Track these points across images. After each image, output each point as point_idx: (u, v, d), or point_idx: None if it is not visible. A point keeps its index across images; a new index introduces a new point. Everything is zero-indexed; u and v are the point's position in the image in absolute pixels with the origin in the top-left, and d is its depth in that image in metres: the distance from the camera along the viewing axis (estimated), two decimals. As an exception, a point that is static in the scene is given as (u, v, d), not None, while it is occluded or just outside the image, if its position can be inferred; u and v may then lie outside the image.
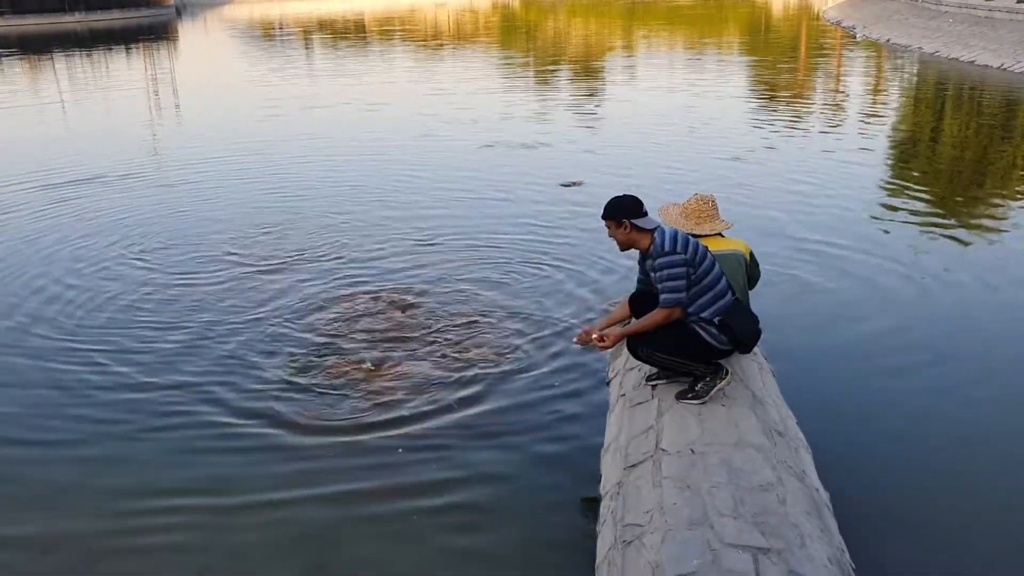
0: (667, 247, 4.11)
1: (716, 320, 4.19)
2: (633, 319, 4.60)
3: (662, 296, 4.17)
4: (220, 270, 7.70)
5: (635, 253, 4.44)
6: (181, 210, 9.96)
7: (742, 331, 4.23)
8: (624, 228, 4.25)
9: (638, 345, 4.34)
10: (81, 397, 5.44)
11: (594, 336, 4.42)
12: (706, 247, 4.29)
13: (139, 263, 7.96)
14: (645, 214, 4.24)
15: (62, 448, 4.94)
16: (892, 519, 4.09)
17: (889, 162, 12.37)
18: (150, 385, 5.54)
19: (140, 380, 5.61)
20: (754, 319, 4.38)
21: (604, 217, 4.34)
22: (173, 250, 8.32)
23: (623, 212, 4.23)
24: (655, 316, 4.23)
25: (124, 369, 5.76)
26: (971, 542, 3.98)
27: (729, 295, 4.26)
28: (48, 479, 4.63)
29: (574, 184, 10.64)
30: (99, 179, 11.69)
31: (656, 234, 4.20)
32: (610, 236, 4.36)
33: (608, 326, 4.59)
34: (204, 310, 6.75)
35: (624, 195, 4.35)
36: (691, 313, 4.21)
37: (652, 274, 4.22)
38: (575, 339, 4.65)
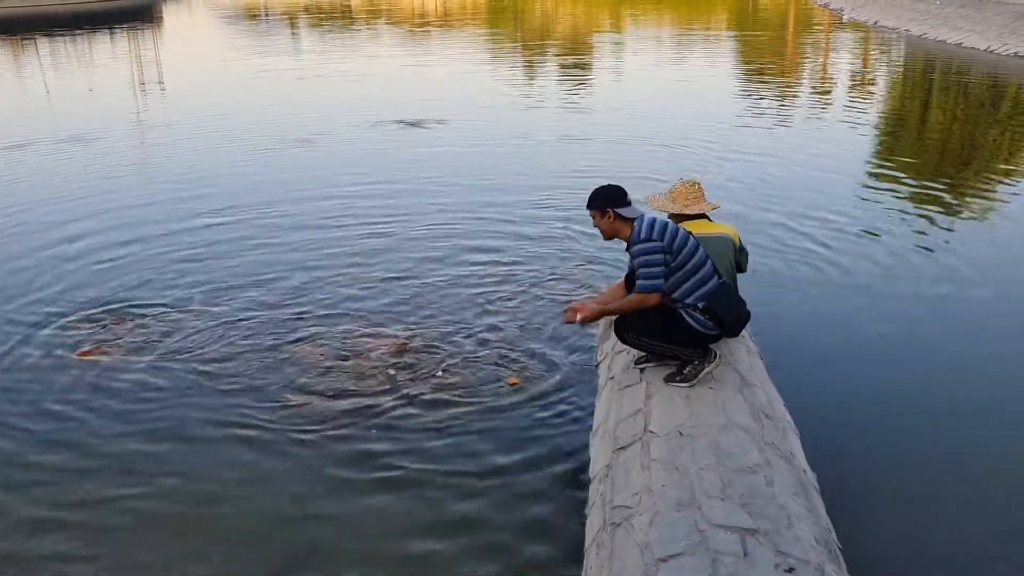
0: (643, 234, 4.16)
1: (700, 305, 4.20)
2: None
3: (638, 282, 4.23)
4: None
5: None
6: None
7: (728, 315, 4.24)
8: (608, 217, 4.28)
9: (625, 330, 4.37)
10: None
11: (573, 305, 4.42)
12: (689, 232, 4.31)
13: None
14: (629, 204, 4.28)
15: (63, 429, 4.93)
16: (879, 500, 4.12)
17: (875, 143, 12.40)
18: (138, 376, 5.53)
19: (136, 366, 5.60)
20: (740, 302, 4.39)
21: (588, 207, 4.37)
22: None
23: (607, 201, 4.27)
24: (631, 299, 4.30)
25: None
26: (957, 521, 4.00)
27: (715, 279, 4.26)
28: (42, 459, 4.60)
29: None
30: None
31: (636, 222, 4.22)
32: (595, 226, 4.39)
33: (600, 307, 4.49)
34: (185, 284, 6.73)
35: (608, 184, 4.38)
36: (676, 299, 4.23)
37: (632, 261, 4.25)
38: (565, 318, 4.51)
